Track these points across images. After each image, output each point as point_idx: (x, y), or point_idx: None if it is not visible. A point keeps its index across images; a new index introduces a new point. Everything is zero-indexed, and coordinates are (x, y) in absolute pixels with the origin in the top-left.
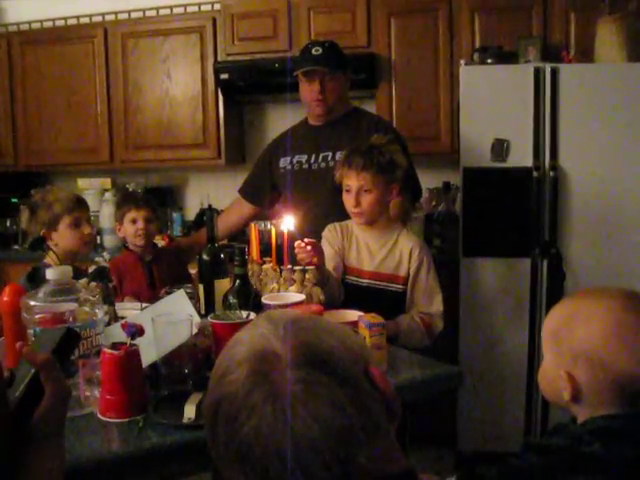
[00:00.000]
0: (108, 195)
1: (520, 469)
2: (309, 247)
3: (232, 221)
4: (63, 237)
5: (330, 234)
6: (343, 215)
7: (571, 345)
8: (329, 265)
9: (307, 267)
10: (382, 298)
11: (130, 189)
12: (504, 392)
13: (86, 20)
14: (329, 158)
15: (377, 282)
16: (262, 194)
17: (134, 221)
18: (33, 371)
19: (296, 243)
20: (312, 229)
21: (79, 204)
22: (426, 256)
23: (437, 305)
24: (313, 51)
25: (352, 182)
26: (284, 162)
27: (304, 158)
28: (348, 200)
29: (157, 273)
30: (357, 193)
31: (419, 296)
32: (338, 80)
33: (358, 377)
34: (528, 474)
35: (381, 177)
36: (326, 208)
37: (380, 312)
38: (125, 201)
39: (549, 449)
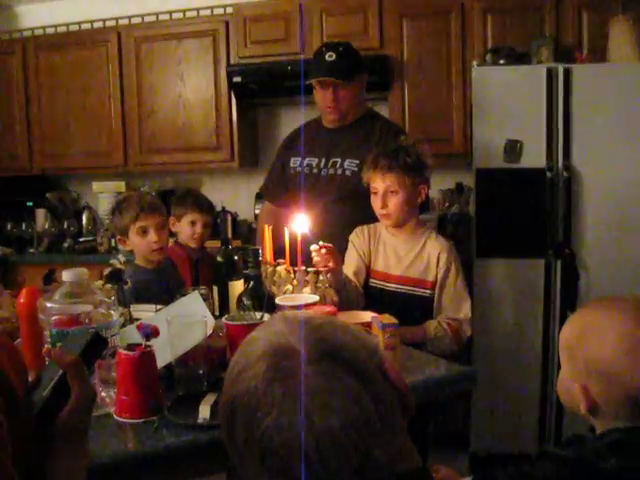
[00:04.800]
0: None
1: (534, 478)
2: (324, 250)
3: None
4: (133, 244)
5: (357, 237)
6: (348, 222)
7: (585, 359)
8: (350, 269)
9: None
10: (410, 303)
11: (146, 191)
12: (518, 393)
13: (100, 25)
14: (337, 165)
15: (404, 287)
16: (283, 194)
17: (193, 223)
18: (60, 372)
19: (312, 247)
20: (317, 235)
21: (145, 212)
22: (454, 261)
23: (465, 311)
24: (327, 57)
25: (378, 184)
26: (294, 162)
27: (314, 162)
28: (375, 202)
29: (202, 273)
30: (384, 195)
31: (447, 302)
32: (352, 87)
33: (373, 372)
34: None
35: (407, 178)
36: (331, 215)
37: (408, 317)
38: (188, 201)
39: (565, 460)
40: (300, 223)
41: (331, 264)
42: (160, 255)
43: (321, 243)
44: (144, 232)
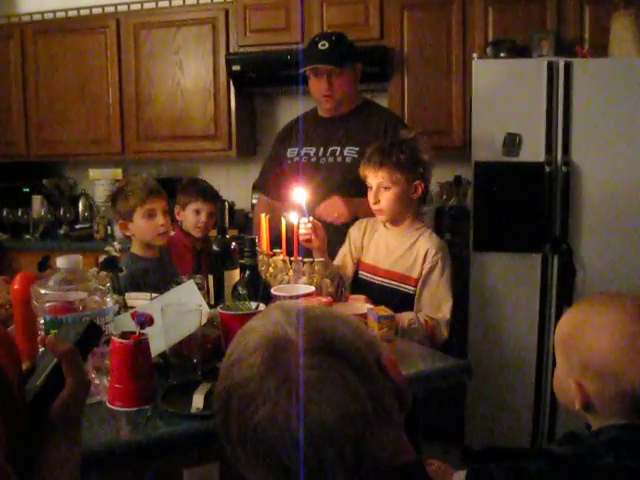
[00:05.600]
0: None
1: (529, 475)
2: (310, 225)
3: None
4: (137, 228)
5: (353, 230)
6: None
7: (580, 356)
8: (336, 262)
9: (317, 259)
10: (394, 298)
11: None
12: (513, 387)
13: (99, 11)
14: (337, 153)
15: (390, 281)
16: (279, 187)
17: (198, 212)
18: (55, 361)
19: (301, 219)
20: (312, 211)
21: (153, 194)
22: (442, 260)
23: (444, 312)
24: (319, 46)
25: (371, 179)
26: (292, 153)
27: (312, 151)
28: (370, 197)
29: (204, 262)
30: (377, 190)
31: (427, 299)
32: (346, 75)
33: (370, 365)
34: None
35: (400, 174)
36: None
37: (393, 311)
38: (193, 190)
39: (561, 458)
40: (299, 195)
41: (314, 240)
42: (164, 240)
43: (311, 218)
44: (150, 215)
